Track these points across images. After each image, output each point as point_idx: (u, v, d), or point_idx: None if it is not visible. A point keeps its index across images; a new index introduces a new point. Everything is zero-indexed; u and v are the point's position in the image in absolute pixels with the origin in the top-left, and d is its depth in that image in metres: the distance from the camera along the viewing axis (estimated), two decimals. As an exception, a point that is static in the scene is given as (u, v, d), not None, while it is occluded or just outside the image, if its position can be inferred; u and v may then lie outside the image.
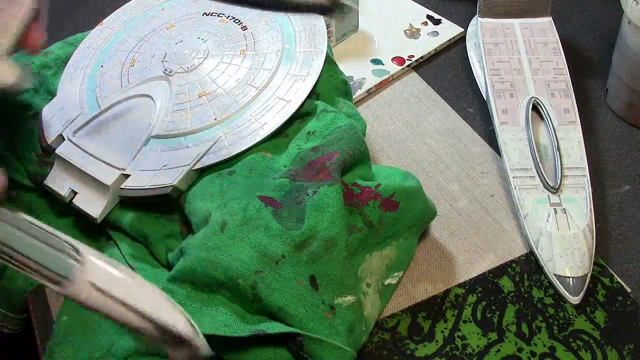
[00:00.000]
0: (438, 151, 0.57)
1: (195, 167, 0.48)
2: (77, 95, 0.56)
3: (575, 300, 0.46)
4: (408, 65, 0.65)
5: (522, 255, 0.49)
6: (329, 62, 0.54)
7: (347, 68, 0.63)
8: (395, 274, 0.47)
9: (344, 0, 0.40)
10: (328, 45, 0.55)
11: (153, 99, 0.52)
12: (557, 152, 0.52)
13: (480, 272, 0.49)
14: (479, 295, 0.47)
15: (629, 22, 0.53)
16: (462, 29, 0.68)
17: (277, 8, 0.45)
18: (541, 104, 0.56)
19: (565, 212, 0.49)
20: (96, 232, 0.51)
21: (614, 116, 0.59)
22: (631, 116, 0.58)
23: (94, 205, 0.49)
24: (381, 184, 0.46)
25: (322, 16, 0.57)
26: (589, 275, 0.46)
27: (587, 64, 0.64)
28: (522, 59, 0.60)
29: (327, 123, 0.49)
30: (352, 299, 0.42)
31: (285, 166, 0.47)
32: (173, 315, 0.35)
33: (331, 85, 0.53)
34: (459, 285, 0.48)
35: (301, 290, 0.41)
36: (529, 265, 0.49)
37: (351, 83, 0.62)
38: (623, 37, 0.55)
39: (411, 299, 0.47)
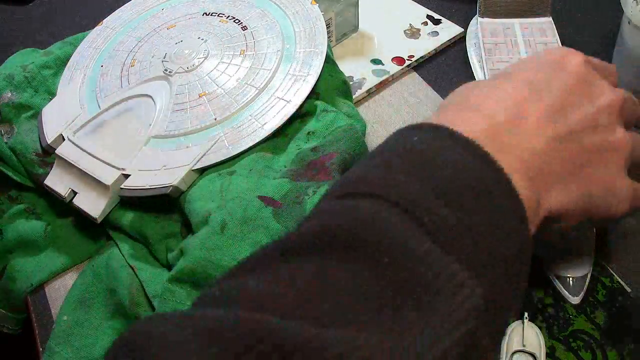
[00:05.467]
0: (438, 151, 0.57)
1: (195, 167, 0.48)
2: (77, 95, 0.56)
3: (575, 300, 0.46)
4: (408, 65, 0.64)
5: (522, 255, 0.49)
6: (329, 62, 0.54)
7: (347, 68, 0.63)
8: (395, 274, 0.47)
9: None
10: (328, 45, 0.55)
11: (153, 99, 0.53)
12: (557, 152, 0.52)
13: (480, 272, 0.48)
14: (479, 295, 0.47)
15: (629, 22, 0.53)
16: (462, 29, 0.68)
17: None
18: (541, 104, 0.55)
19: (565, 212, 0.49)
20: (96, 232, 0.51)
21: (614, 116, 0.59)
22: (631, 116, 0.58)
23: (94, 205, 0.49)
24: (381, 184, 0.46)
25: (322, 16, 0.57)
26: (589, 275, 0.46)
27: (587, 64, 0.64)
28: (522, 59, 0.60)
29: (327, 123, 0.49)
30: (352, 299, 0.42)
31: (285, 166, 0.47)
32: None
33: (331, 85, 0.53)
34: (459, 285, 0.48)
35: (301, 290, 0.41)
36: (529, 265, 0.49)
37: (351, 83, 0.62)
38: (623, 37, 0.55)
39: (411, 299, 0.47)
